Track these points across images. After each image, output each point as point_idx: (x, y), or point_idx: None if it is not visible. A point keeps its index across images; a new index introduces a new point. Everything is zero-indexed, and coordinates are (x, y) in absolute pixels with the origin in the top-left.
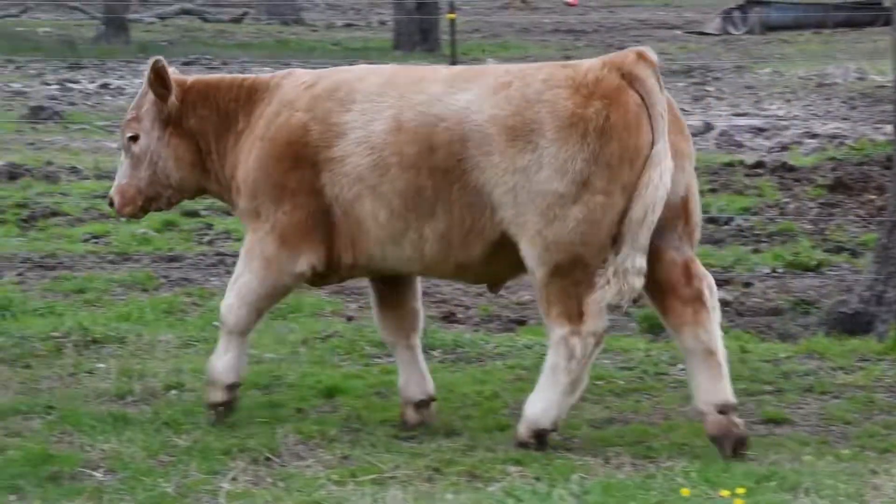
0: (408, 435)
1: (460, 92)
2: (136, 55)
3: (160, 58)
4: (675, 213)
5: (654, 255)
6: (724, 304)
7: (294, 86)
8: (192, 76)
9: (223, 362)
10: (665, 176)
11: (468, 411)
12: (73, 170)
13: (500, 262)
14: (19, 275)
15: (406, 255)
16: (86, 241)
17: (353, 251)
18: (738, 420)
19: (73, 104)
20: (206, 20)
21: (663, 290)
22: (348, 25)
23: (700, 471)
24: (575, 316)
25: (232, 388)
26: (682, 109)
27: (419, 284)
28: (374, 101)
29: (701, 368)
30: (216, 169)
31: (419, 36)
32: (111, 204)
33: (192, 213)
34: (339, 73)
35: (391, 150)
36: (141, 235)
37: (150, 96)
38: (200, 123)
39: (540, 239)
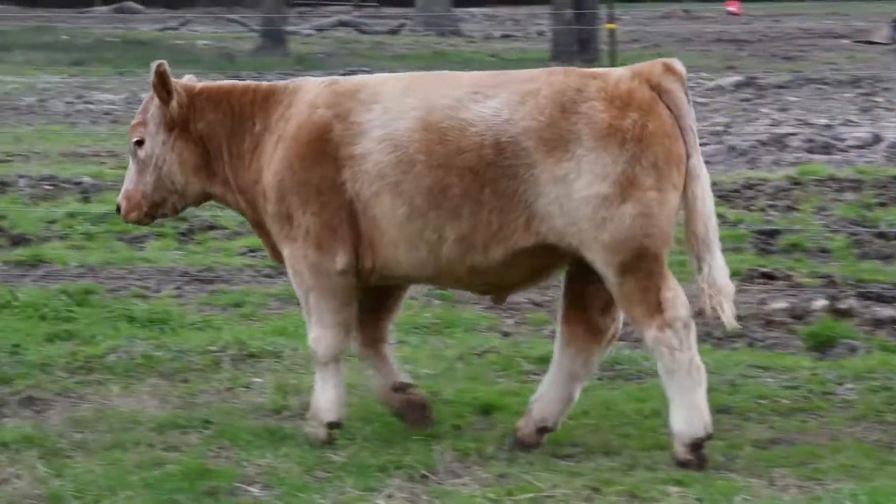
0: (566, 454)
1: (487, 98)
2: (294, 67)
3: (163, 62)
4: None
5: (590, 275)
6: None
7: (315, 85)
8: (203, 82)
9: (325, 399)
10: (706, 187)
11: (627, 430)
12: None
13: (514, 269)
14: (177, 288)
15: (421, 258)
16: (242, 254)
17: (371, 254)
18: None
19: None
20: (363, 32)
21: (576, 307)
22: (506, 37)
23: (869, 493)
24: (656, 310)
25: (332, 426)
26: (850, 121)
27: (399, 306)
28: (398, 101)
29: (559, 387)
30: (226, 172)
31: (577, 46)
32: (118, 210)
33: None
34: (361, 76)
35: (416, 147)
36: None
37: (157, 100)
38: (209, 127)
39: (597, 244)
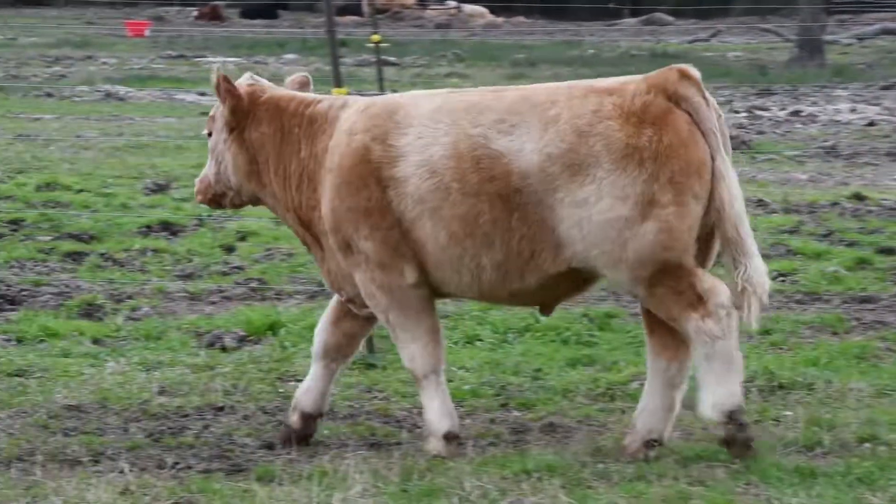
0: None
1: (513, 127)
2: (830, 80)
3: (219, 66)
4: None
5: None
6: None
7: (349, 113)
8: (272, 92)
9: (434, 412)
10: (734, 188)
11: None
12: (760, 202)
13: (555, 289)
14: None
15: (464, 281)
16: (773, 278)
17: (424, 271)
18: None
19: (761, 133)
20: None
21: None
22: None
23: None
24: (697, 303)
25: (448, 437)
26: None
27: (374, 325)
28: (429, 126)
29: (658, 394)
30: (274, 187)
31: None
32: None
33: (889, 251)
34: (394, 97)
35: (451, 175)
36: (832, 274)
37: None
38: (261, 139)
39: (624, 265)
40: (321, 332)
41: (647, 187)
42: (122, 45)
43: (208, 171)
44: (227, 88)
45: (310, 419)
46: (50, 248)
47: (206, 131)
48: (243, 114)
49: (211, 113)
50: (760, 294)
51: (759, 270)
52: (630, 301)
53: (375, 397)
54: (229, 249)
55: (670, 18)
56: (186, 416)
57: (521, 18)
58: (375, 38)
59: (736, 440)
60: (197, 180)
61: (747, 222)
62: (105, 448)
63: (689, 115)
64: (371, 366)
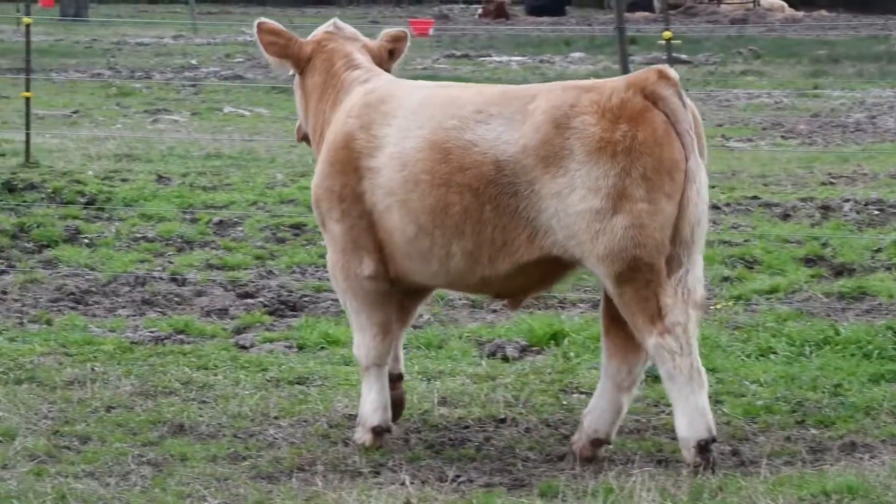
0: None
1: (490, 117)
2: None
3: (263, 20)
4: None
5: None
6: None
7: (357, 93)
8: (334, 44)
9: (369, 403)
10: (702, 191)
11: None
12: None
13: (524, 278)
14: None
15: (433, 270)
16: None
17: (391, 263)
18: (601, 452)
19: None
20: None
21: (615, 316)
22: None
23: None
24: (657, 316)
25: (376, 431)
26: None
27: (412, 316)
28: (409, 119)
29: (607, 397)
30: (310, 138)
31: None
32: None
33: None
34: (392, 84)
35: (421, 167)
36: None
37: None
38: (311, 87)
39: (594, 256)
40: None
41: (618, 181)
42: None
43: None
44: (263, 41)
45: None
46: None
47: (290, 72)
48: (299, 60)
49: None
50: (693, 301)
51: (696, 278)
52: None
53: (662, 412)
54: None
55: None
56: (467, 427)
57: (823, 12)
58: (667, 34)
59: (699, 469)
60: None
61: (705, 228)
62: (386, 459)
63: (666, 115)
64: (658, 379)
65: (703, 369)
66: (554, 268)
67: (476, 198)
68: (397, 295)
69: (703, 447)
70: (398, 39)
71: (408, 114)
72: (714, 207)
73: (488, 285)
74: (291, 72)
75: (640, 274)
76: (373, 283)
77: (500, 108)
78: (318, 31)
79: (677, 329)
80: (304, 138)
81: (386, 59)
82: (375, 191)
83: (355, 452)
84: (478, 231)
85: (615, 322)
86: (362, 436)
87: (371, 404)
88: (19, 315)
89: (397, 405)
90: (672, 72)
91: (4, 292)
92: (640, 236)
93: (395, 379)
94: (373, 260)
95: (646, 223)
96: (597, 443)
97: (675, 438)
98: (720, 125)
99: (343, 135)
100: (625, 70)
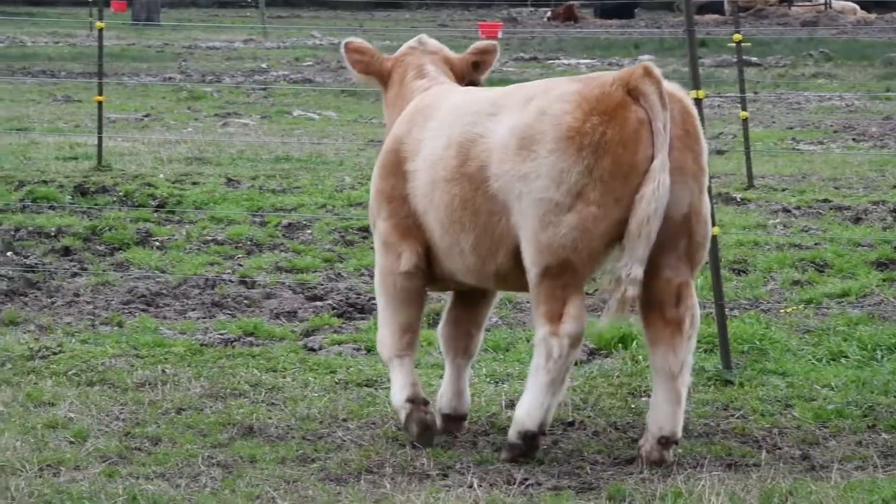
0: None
1: (499, 109)
2: None
3: (351, 40)
4: (677, 232)
5: (652, 271)
6: None
7: (414, 100)
8: (409, 58)
9: (395, 385)
10: (660, 191)
11: None
12: None
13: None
14: None
15: (458, 267)
16: None
17: (436, 263)
18: (670, 453)
19: None
20: None
21: (651, 305)
22: None
23: None
24: (556, 318)
25: (411, 400)
26: None
27: (483, 313)
28: (442, 122)
29: (661, 390)
30: None
31: None
32: None
33: None
34: (443, 91)
35: (442, 165)
36: None
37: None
38: (389, 101)
39: (535, 242)
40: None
41: (580, 178)
42: None
43: None
44: (350, 59)
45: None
46: None
47: None
48: (382, 75)
49: None
50: (622, 296)
51: (633, 276)
52: None
53: (731, 415)
54: None
55: None
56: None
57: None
58: (737, 37)
59: (514, 451)
60: None
61: (655, 229)
62: (453, 462)
63: (645, 111)
64: (727, 382)
65: (567, 381)
66: None
67: (471, 185)
68: (464, 324)
69: (527, 437)
70: (485, 52)
71: (441, 117)
72: (784, 210)
73: (507, 281)
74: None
75: (564, 275)
76: (407, 279)
77: (509, 100)
78: (403, 47)
79: (566, 339)
80: None
81: (470, 71)
82: (416, 193)
83: (423, 455)
84: (474, 222)
85: (652, 308)
86: (401, 415)
87: (397, 385)
88: (91, 317)
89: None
90: (656, 70)
91: (77, 295)
92: (580, 240)
93: (458, 419)
94: (413, 256)
95: (589, 228)
96: (664, 441)
97: (745, 442)
98: (791, 128)
99: (392, 139)
100: (694, 73)
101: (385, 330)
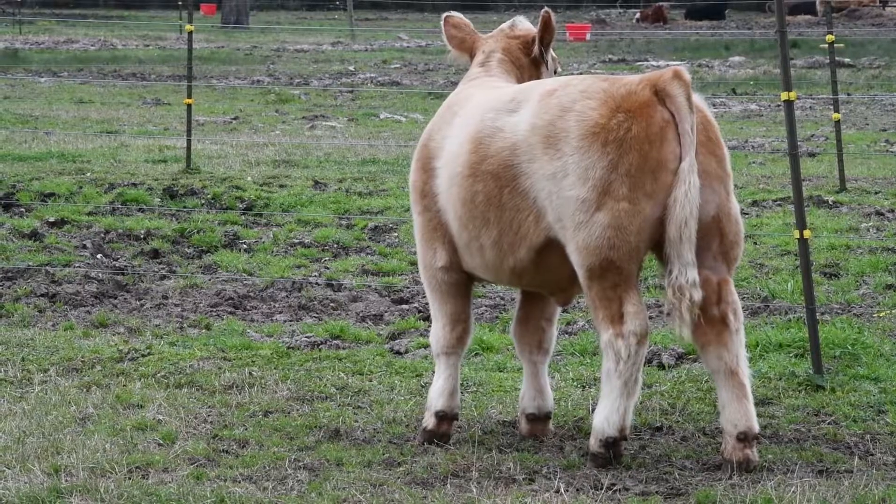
0: None
1: (519, 104)
2: None
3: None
4: (708, 233)
5: None
6: None
7: (451, 95)
8: (484, 41)
9: (435, 388)
10: (691, 192)
11: None
12: None
13: (552, 268)
14: None
15: (477, 263)
16: None
17: (460, 257)
18: (754, 451)
19: None
20: None
21: None
22: None
23: None
24: (617, 319)
25: (439, 416)
26: None
27: (552, 306)
28: (465, 118)
29: (725, 388)
30: None
31: None
32: None
33: None
34: (475, 87)
35: (462, 160)
36: None
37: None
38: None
39: (573, 244)
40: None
41: (605, 174)
42: (563, 50)
43: None
44: (447, 33)
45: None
46: None
47: None
48: (470, 55)
49: None
50: (686, 304)
51: (691, 279)
52: None
53: (823, 421)
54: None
55: None
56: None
57: None
58: (829, 38)
59: (598, 460)
60: None
61: (693, 230)
62: (540, 466)
63: (671, 113)
64: (819, 388)
65: (640, 381)
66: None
67: (496, 182)
68: (534, 319)
69: (610, 443)
70: (543, 25)
71: (464, 113)
72: (877, 213)
73: (521, 277)
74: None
75: (610, 275)
76: (446, 274)
77: (528, 95)
78: (497, 29)
79: (631, 338)
80: None
81: (531, 50)
82: (439, 190)
83: (510, 459)
84: (499, 217)
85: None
86: (427, 419)
87: (438, 389)
88: (179, 320)
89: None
90: (686, 73)
91: (165, 297)
92: (616, 238)
93: (543, 418)
94: (446, 252)
95: (624, 225)
96: (742, 437)
97: (836, 448)
98: (884, 129)
99: (425, 134)
100: (786, 74)
101: (437, 324)
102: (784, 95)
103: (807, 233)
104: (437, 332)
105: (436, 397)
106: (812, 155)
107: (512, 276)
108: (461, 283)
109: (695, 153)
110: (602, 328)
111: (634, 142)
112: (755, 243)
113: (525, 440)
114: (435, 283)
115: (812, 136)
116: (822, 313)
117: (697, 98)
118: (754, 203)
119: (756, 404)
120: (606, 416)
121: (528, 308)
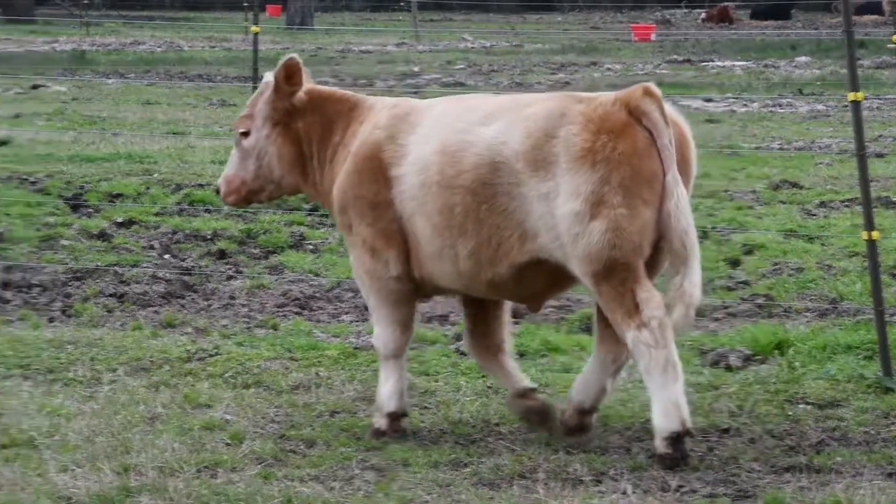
0: None
1: (492, 122)
2: None
3: (294, 56)
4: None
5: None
6: None
7: (382, 107)
8: (312, 84)
9: (385, 390)
10: (681, 203)
11: None
12: None
13: (531, 281)
14: None
15: (448, 271)
16: None
17: (418, 267)
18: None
19: None
20: None
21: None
22: None
23: None
24: (634, 311)
25: (392, 416)
26: None
27: (503, 313)
28: (431, 127)
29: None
30: (315, 175)
31: None
32: (217, 192)
33: None
34: (420, 101)
35: (435, 170)
36: None
37: (265, 96)
38: (307, 128)
39: (575, 256)
40: None
41: (597, 187)
42: (627, 51)
43: (238, 171)
44: (293, 78)
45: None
46: None
47: (241, 130)
48: (292, 105)
49: (244, 113)
50: (688, 302)
51: (693, 282)
52: None
53: (892, 423)
54: (734, 263)
55: None
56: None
57: None
58: None
59: (668, 461)
60: (221, 183)
61: (693, 236)
62: (607, 468)
63: (648, 130)
64: (889, 390)
65: (678, 362)
66: (554, 272)
67: (474, 198)
68: (488, 323)
69: (675, 439)
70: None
71: (430, 122)
72: None
73: (499, 288)
74: (244, 129)
75: (616, 273)
76: (398, 283)
77: (501, 112)
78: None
79: (653, 322)
80: (249, 196)
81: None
82: (402, 196)
83: (577, 460)
84: (477, 231)
85: (605, 319)
86: (379, 421)
87: (389, 391)
88: (247, 320)
89: (542, 414)
90: (656, 89)
91: (232, 297)
92: (616, 239)
93: (528, 392)
94: (399, 262)
95: (623, 227)
96: (583, 412)
97: None
98: None
99: (371, 144)
100: (853, 75)
101: (384, 329)
102: (851, 96)
103: (875, 234)
104: (387, 337)
105: (387, 399)
106: (880, 156)
107: (489, 287)
108: (411, 292)
109: (690, 164)
110: (624, 328)
111: (623, 157)
112: (823, 245)
113: (593, 442)
114: (386, 292)
115: (879, 136)
116: (892, 315)
117: (673, 111)
118: (822, 204)
119: (824, 406)
120: (663, 412)
121: (478, 317)
